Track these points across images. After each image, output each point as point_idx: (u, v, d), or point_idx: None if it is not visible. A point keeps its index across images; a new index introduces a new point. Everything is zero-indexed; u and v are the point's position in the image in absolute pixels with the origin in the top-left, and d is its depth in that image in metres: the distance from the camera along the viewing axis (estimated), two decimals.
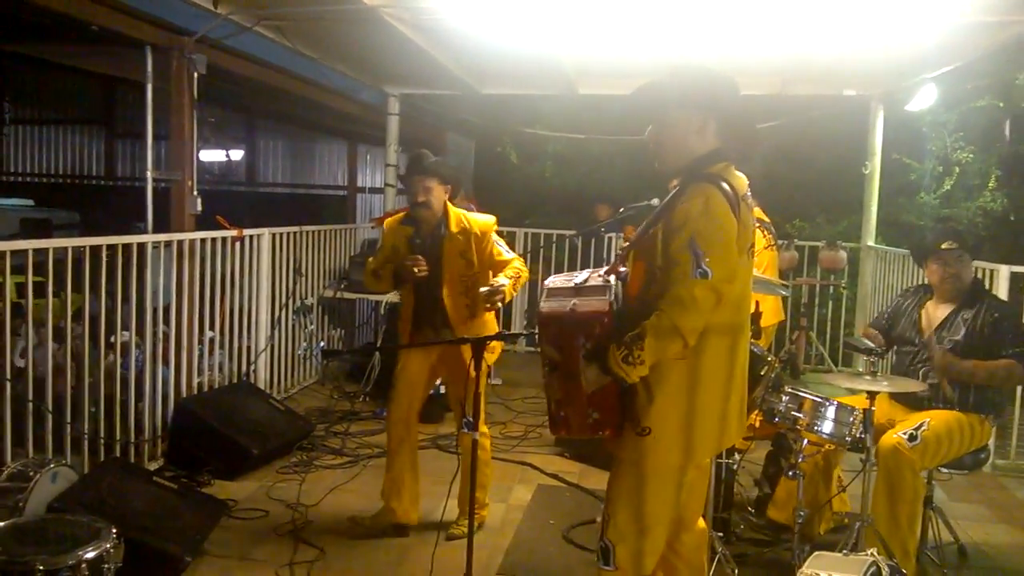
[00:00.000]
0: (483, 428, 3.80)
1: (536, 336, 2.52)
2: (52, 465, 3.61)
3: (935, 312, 3.82)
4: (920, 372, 3.72)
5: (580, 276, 2.60)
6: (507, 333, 3.47)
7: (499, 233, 4.15)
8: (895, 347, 4.01)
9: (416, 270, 3.81)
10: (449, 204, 3.99)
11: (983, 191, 8.82)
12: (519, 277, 3.91)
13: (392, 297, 6.83)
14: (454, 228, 3.95)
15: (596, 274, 2.61)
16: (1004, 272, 5.14)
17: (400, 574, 3.70)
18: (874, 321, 4.24)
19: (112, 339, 4.64)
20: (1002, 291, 5.08)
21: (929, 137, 8.92)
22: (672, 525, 2.59)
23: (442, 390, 6.00)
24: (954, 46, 5.59)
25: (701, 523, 2.83)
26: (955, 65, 5.96)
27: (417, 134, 9.73)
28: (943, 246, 3.77)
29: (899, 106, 7.24)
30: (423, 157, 3.94)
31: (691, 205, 2.32)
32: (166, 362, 4.92)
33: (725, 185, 2.36)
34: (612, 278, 2.57)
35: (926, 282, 4.00)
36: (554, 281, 2.63)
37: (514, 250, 4.18)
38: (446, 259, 3.94)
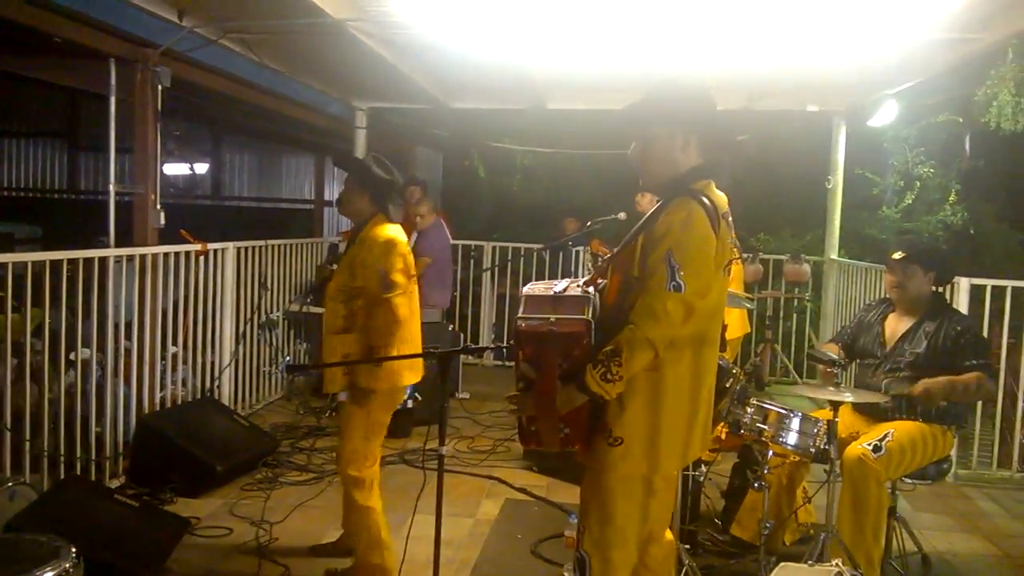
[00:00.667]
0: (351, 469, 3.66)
1: (511, 350, 2.49)
2: (10, 483, 3.55)
3: (897, 325, 3.86)
4: (883, 384, 3.76)
5: (560, 285, 2.57)
6: (472, 347, 3.38)
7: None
8: (857, 360, 4.06)
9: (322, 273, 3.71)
10: (381, 215, 3.67)
11: (943, 205, 8.98)
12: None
13: None
14: (362, 236, 3.65)
15: (575, 284, 2.59)
16: (964, 284, 5.23)
17: None
18: (836, 335, 4.27)
19: (73, 355, 4.56)
20: (962, 303, 5.17)
21: (890, 152, 9.08)
22: (643, 536, 2.59)
23: (409, 404, 5.99)
24: (914, 63, 5.71)
25: (669, 535, 2.84)
26: (915, 81, 6.08)
27: (385, 148, 9.71)
28: (892, 256, 3.84)
29: (861, 122, 7.37)
30: (342, 155, 3.74)
31: (672, 218, 2.35)
32: (128, 378, 4.84)
33: (707, 201, 2.39)
34: (591, 289, 2.55)
35: (886, 296, 4.06)
36: (533, 289, 2.59)
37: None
38: (340, 266, 3.71)
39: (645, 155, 2.54)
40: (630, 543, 2.52)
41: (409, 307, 3.60)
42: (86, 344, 4.53)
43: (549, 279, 7.66)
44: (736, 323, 5.08)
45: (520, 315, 2.45)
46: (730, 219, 2.56)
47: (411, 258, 3.68)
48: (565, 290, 2.53)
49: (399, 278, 3.52)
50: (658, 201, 2.54)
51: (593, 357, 2.31)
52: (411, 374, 3.66)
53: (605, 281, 2.58)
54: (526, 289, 2.61)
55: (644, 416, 2.40)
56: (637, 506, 2.50)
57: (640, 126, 2.54)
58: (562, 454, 4.89)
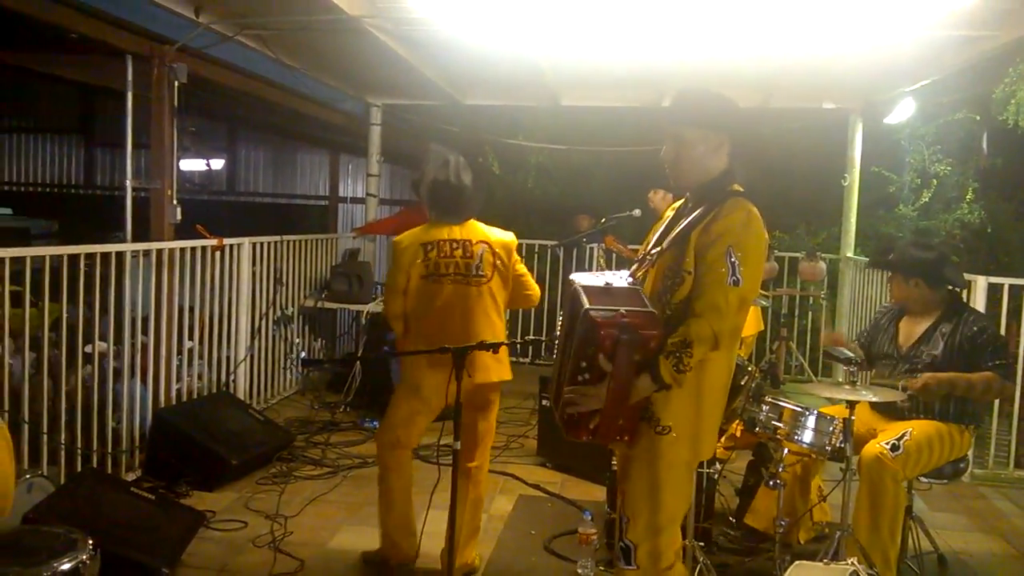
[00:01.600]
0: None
1: (582, 342, 2.43)
2: (28, 476, 3.57)
3: (913, 326, 3.83)
4: (900, 384, 3.73)
5: (607, 276, 2.63)
6: (488, 343, 3.35)
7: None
8: (874, 361, 4.03)
9: None
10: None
11: (960, 203, 8.90)
12: None
13: (374, 307, 6.82)
14: None
15: (618, 277, 2.64)
16: (981, 283, 5.19)
17: None
18: (856, 337, 4.27)
19: (89, 348, 4.59)
20: (980, 302, 5.13)
21: (907, 150, 9.00)
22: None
23: None
24: (931, 60, 5.66)
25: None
26: (932, 79, 6.03)
27: (399, 145, 9.72)
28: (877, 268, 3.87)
29: (878, 119, 7.32)
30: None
31: (733, 218, 2.45)
32: (144, 372, 4.88)
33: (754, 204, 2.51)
34: (634, 282, 2.62)
35: None
36: (584, 279, 2.61)
37: None
38: None
39: (679, 156, 2.61)
40: (675, 525, 2.59)
41: (416, 310, 3.68)
42: (103, 339, 4.56)
43: (563, 277, 7.70)
44: (751, 321, 5.07)
45: (589, 306, 2.41)
46: None
47: (428, 256, 3.68)
48: (612, 283, 2.57)
49: (390, 277, 3.73)
50: (687, 200, 2.63)
51: (664, 348, 2.36)
52: (430, 371, 3.60)
53: (643, 274, 2.66)
54: (576, 280, 2.61)
55: (690, 404, 2.48)
56: (683, 491, 2.60)
57: (672, 127, 2.61)
58: (574, 452, 4.92)
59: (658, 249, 2.62)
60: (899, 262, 3.82)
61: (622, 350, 2.33)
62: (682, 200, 2.73)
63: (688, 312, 2.41)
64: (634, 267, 2.70)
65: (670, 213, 2.75)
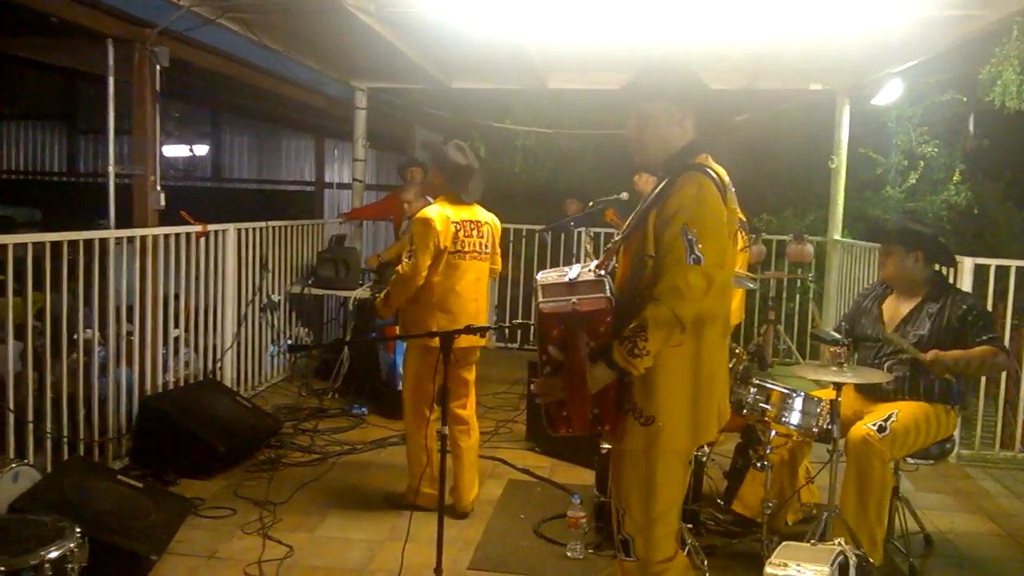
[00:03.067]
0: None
1: (538, 336, 2.46)
2: (14, 465, 3.54)
3: (898, 307, 3.84)
4: (885, 365, 3.74)
5: (572, 271, 2.59)
6: (475, 327, 3.41)
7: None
8: (858, 343, 4.04)
9: None
10: (446, 197, 4.16)
11: (947, 185, 8.94)
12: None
13: (361, 293, 6.80)
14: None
15: (586, 269, 2.60)
16: (968, 264, 5.20)
17: (370, 571, 3.67)
18: (838, 325, 4.25)
19: (75, 337, 4.56)
20: (966, 283, 5.14)
21: (894, 131, 9.02)
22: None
23: None
24: (918, 40, 5.66)
25: None
26: (919, 59, 6.03)
27: (385, 129, 9.67)
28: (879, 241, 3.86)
29: (865, 100, 7.32)
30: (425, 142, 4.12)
31: (684, 194, 2.37)
32: (130, 360, 4.84)
33: (712, 173, 2.43)
34: (603, 272, 2.57)
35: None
36: (546, 277, 2.60)
37: None
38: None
39: (641, 132, 2.57)
40: (671, 514, 2.55)
41: (443, 283, 4.05)
42: (88, 326, 4.53)
43: (550, 261, 7.70)
44: (733, 311, 5.07)
45: (540, 300, 2.45)
46: (732, 191, 2.56)
47: (447, 237, 4.04)
48: (578, 276, 2.54)
49: (417, 255, 3.98)
50: (657, 180, 2.55)
51: (619, 334, 2.33)
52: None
53: (615, 263, 2.61)
54: (539, 277, 2.62)
55: (679, 391, 2.43)
56: (677, 480, 2.55)
57: (634, 102, 2.57)
58: (567, 437, 4.92)
59: (621, 236, 2.59)
60: (905, 233, 3.81)
61: (570, 337, 2.34)
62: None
63: (648, 297, 2.34)
64: (602, 257, 2.66)
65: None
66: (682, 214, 2.33)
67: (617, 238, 2.62)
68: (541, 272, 2.68)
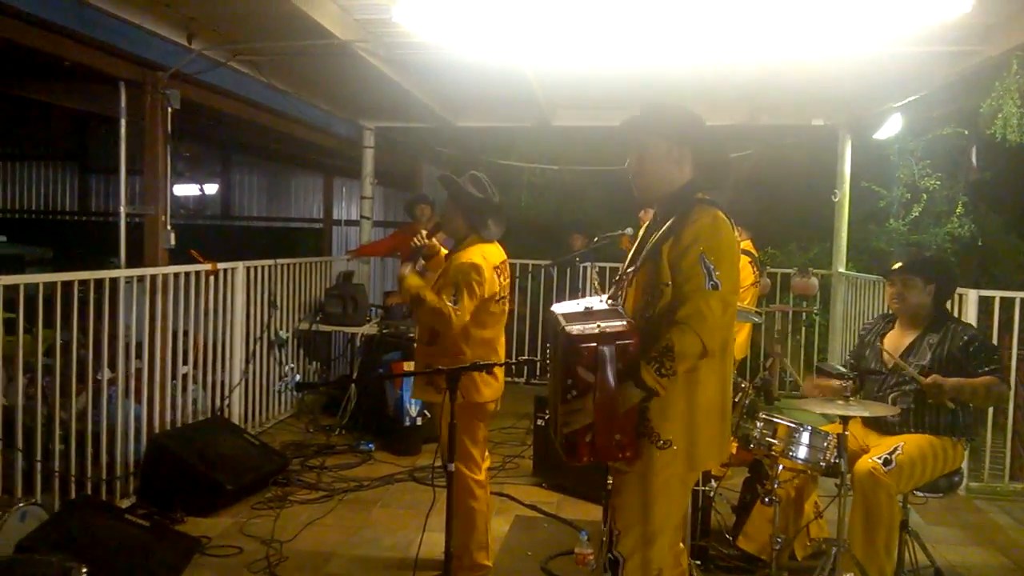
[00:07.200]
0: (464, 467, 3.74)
1: (564, 361, 2.48)
2: (21, 504, 3.55)
3: (899, 340, 3.84)
4: (890, 398, 3.74)
5: (586, 302, 2.67)
6: (482, 364, 3.35)
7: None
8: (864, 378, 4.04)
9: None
10: (475, 236, 3.80)
11: (951, 217, 8.95)
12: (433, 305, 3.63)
13: (368, 329, 6.83)
14: (454, 257, 3.81)
15: (599, 300, 2.69)
16: (972, 296, 5.21)
17: None
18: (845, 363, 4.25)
19: (84, 375, 4.59)
20: (971, 315, 5.15)
21: (897, 165, 9.05)
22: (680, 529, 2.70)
23: (419, 421, 5.99)
24: (918, 75, 5.73)
25: (681, 544, 2.91)
26: (920, 94, 6.09)
27: (392, 166, 9.76)
28: (892, 267, 3.85)
29: (867, 135, 7.38)
30: (442, 175, 3.91)
31: (700, 224, 2.49)
32: (139, 398, 4.87)
33: (720, 210, 2.55)
34: (615, 303, 2.65)
35: (889, 311, 4.05)
36: (564, 307, 2.68)
37: None
38: (435, 283, 3.82)
39: (641, 167, 2.68)
40: (666, 538, 2.59)
41: (486, 331, 3.74)
42: (98, 364, 4.56)
43: (556, 296, 7.72)
44: (739, 345, 5.08)
45: (565, 326, 2.50)
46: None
47: (495, 285, 3.74)
48: (592, 307, 2.62)
49: (465, 299, 3.58)
50: (656, 213, 2.68)
51: (646, 355, 2.40)
52: (488, 391, 3.74)
53: (622, 295, 2.69)
54: (557, 309, 2.68)
55: (685, 416, 2.51)
56: (677, 504, 2.62)
57: (635, 138, 2.68)
58: (570, 472, 4.92)
59: (632, 268, 2.66)
60: (928, 264, 3.84)
61: (601, 359, 2.39)
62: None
63: (670, 321, 2.42)
64: (612, 290, 2.74)
65: (642, 231, 2.79)
66: (699, 243, 2.44)
67: (630, 270, 2.68)
68: (556, 304, 2.75)
